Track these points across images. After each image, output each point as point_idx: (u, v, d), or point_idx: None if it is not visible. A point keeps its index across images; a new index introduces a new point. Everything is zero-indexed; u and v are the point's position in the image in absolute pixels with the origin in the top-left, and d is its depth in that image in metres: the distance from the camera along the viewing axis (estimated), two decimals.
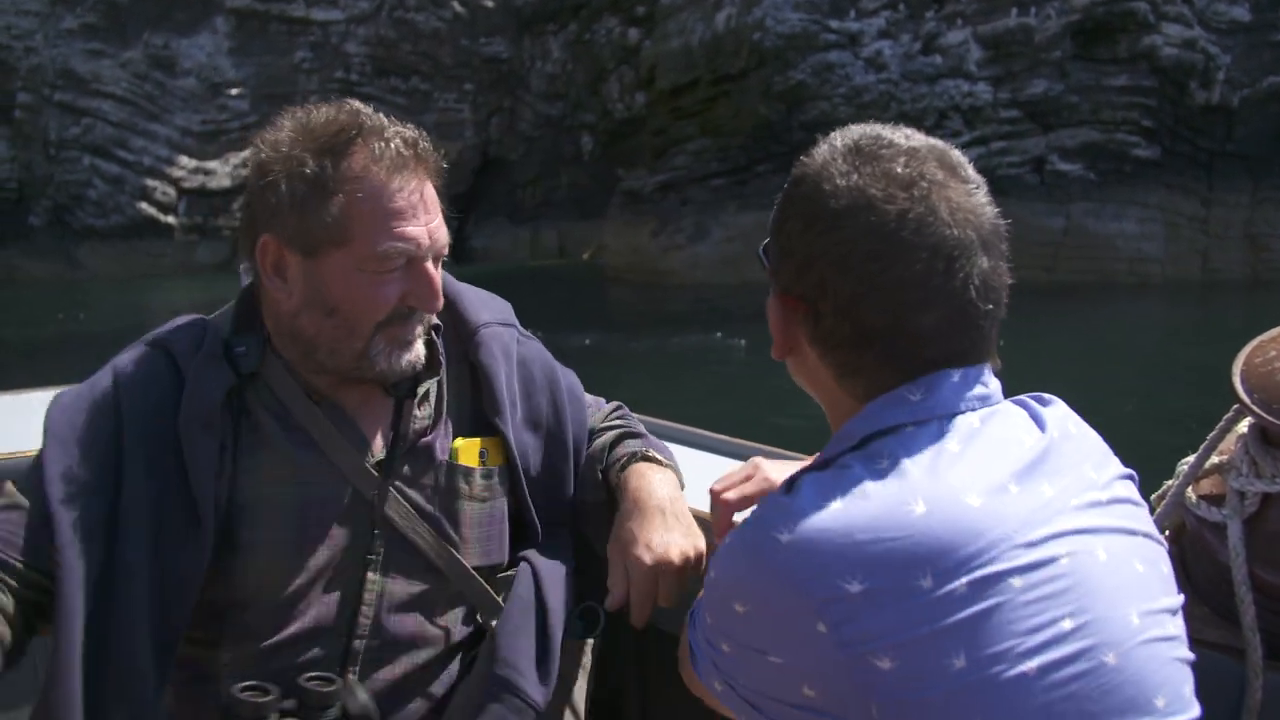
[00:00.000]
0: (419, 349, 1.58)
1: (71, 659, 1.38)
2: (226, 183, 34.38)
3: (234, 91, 35.90)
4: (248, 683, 1.45)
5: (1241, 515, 1.42)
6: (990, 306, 1.14)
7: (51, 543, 1.43)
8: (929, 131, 1.20)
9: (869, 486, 1.06)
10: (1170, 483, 1.59)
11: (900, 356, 1.13)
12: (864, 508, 1.04)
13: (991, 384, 1.17)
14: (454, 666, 1.66)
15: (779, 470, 1.51)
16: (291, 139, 1.50)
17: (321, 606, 1.54)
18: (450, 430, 1.66)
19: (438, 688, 1.64)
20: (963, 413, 1.13)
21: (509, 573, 1.69)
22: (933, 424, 1.11)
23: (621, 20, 32.53)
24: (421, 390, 1.64)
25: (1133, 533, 1.15)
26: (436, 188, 1.56)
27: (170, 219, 34.95)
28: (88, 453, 1.48)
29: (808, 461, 1.52)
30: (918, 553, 1.01)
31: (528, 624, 1.62)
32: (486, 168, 37.79)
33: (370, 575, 1.57)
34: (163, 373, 1.53)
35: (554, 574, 1.68)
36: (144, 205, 34.80)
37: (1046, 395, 1.22)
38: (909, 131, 1.20)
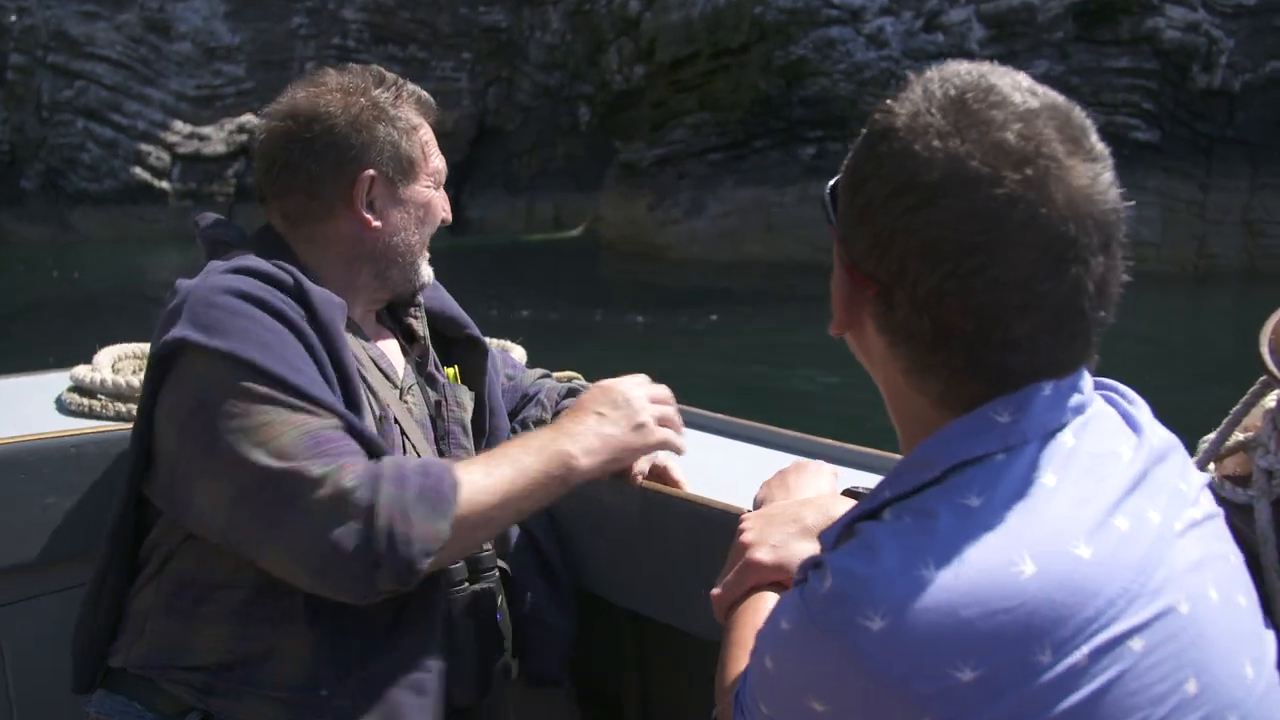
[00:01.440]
0: None
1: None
2: (221, 149, 34.16)
3: (230, 57, 35.63)
4: None
5: (1270, 496, 1.30)
6: (1102, 313, 0.98)
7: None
8: None
9: (964, 542, 0.90)
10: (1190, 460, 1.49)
11: (986, 365, 0.96)
12: (965, 573, 0.88)
13: (1086, 388, 1.02)
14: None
15: (769, 533, 1.34)
16: (348, 90, 1.76)
17: None
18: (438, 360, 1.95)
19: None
20: (1057, 431, 0.98)
21: None
22: (1024, 449, 0.96)
23: None
24: (420, 329, 1.94)
25: (1226, 556, 1.04)
26: None
27: (164, 184, 34.74)
28: (296, 348, 1.57)
29: (808, 508, 1.36)
30: (1033, 624, 0.87)
31: (533, 565, 1.90)
32: (483, 137, 37.60)
33: None
34: (284, 294, 1.63)
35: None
36: (138, 170, 34.58)
37: (1124, 388, 1.09)
38: (1025, 81, 1.00)
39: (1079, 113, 0.99)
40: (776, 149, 25.40)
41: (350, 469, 1.46)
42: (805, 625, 0.93)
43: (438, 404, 1.86)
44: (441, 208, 1.85)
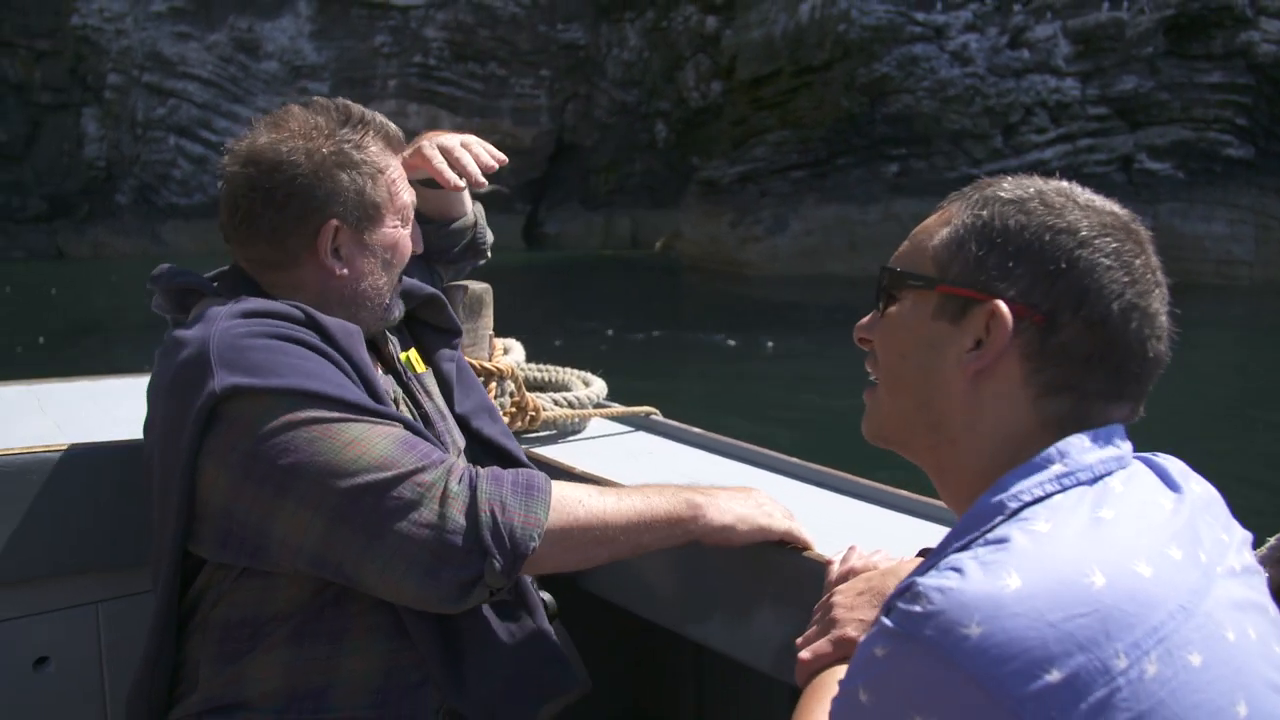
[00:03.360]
0: None
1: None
2: None
3: (315, 75, 36.33)
4: None
5: None
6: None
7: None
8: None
9: (1038, 557, 0.96)
10: None
11: (1125, 381, 1.11)
12: (1045, 582, 0.93)
13: (1124, 446, 1.11)
14: None
15: (860, 609, 1.37)
16: (310, 135, 1.72)
17: None
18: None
19: None
20: (1103, 476, 1.06)
21: None
22: (1080, 489, 1.04)
23: (699, 8, 32.37)
24: (386, 346, 1.90)
25: (1265, 608, 1.06)
26: None
27: None
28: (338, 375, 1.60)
29: (877, 568, 1.44)
30: (1107, 629, 0.91)
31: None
32: (560, 154, 37.90)
33: None
34: (299, 326, 1.64)
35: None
36: None
37: (1161, 454, 1.16)
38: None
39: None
40: (859, 166, 25.24)
41: (456, 471, 1.53)
42: (903, 644, 0.96)
43: (418, 403, 1.86)
44: (410, 241, 1.83)
